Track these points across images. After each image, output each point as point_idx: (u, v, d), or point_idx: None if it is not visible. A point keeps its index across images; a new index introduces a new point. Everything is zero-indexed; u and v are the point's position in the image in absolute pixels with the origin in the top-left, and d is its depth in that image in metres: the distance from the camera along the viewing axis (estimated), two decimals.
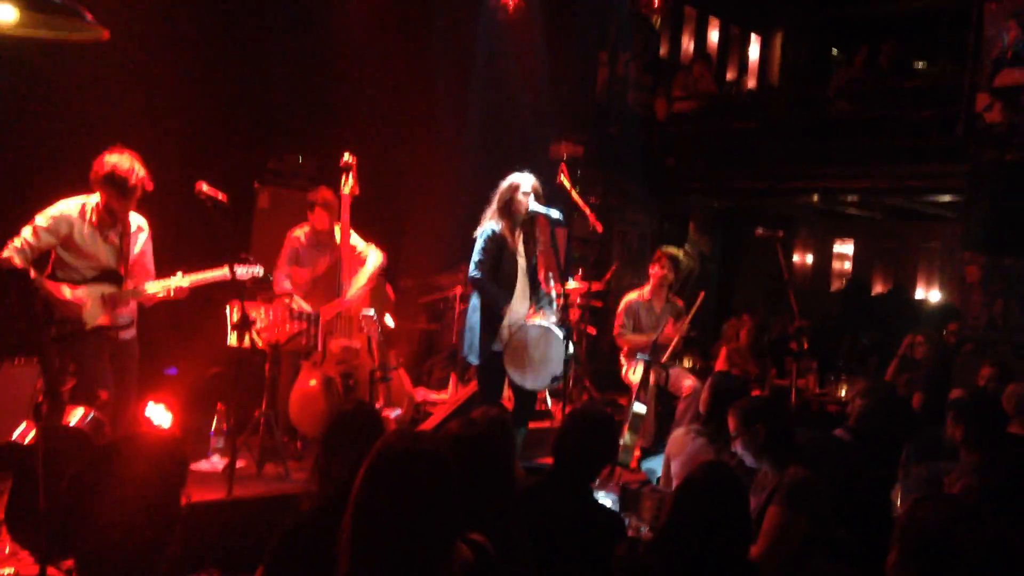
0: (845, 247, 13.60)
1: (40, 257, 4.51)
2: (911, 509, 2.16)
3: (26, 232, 4.43)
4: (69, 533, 1.72)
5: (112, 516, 1.65)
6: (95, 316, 4.55)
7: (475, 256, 5.23)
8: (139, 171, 4.50)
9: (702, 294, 6.83)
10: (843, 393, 7.40)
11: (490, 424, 2.75)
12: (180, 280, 4.70)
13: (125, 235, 4.66)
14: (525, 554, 2.55)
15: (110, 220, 4.60)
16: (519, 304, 5.36)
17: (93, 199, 4.58)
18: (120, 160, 4.46)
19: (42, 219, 4.47)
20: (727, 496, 2.60)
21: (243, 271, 4.80)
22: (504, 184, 5.31)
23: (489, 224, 5.26)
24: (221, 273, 4.71)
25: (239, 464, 4.75)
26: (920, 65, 11.44)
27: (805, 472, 3.32)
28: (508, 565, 2.21)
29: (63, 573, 3.36)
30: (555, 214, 5.31)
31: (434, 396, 7.42)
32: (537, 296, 5.46)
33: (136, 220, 4.75)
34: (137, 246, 4.74)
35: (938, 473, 3.86)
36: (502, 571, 2.08)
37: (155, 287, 4.70)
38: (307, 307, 5.52)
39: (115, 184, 4.45)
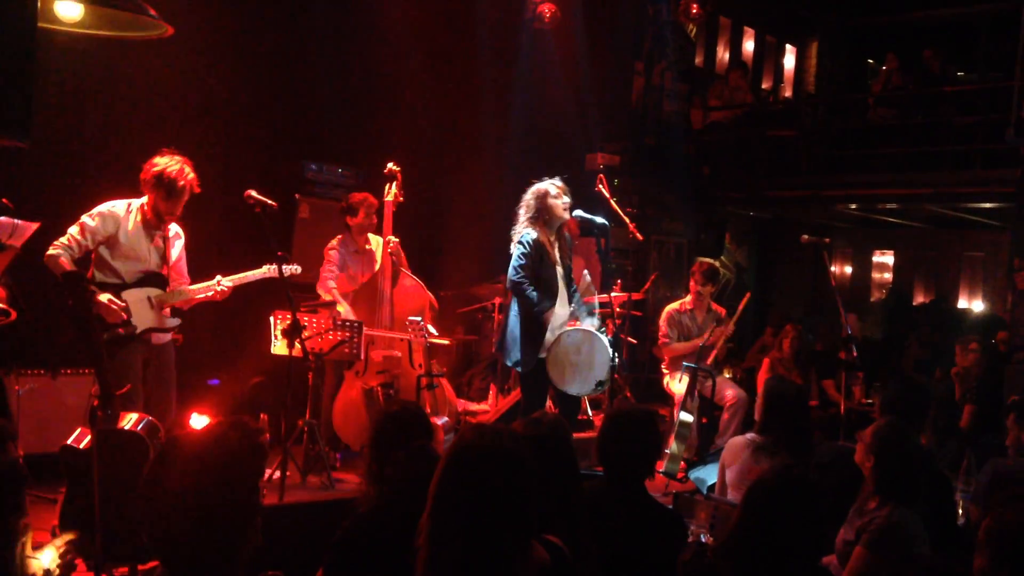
0: (885, 257, 13.42)
1: (80, 262, 4.49)
2: (996, 512, 2.08)
3: (73, 230, 4.45)
4: (149, 530, 1.69)
5: (191, 509, 1.62)
6: (144, 319, 4.56)
7: (515, 261, 5.18)
8: (188, 174, 4.56)
9: (747, 295, 6.72)
10: None
11: (553, 424, 2.71)
12: (224, 281, 4.73)
13: (166, 239, 4.71)
14: (592, 556, 2.50)
15: (156, 222, 4.64)
16: (560, 309, 5.33)
17: (140, 201, 4.63)
18: (169, 163, 4.52)
19: (89, 217, 4.50)
20: (798, 500, 2.51)
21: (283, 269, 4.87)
22: (531, 193, 5.26)
23: (526, 232, 5.21)
24: (261, 272, 4.80)
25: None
26: (959, 74, 11.30)
27: (899, 516, 3.11)
28: (578, 566, 2.15)
29: None
30: (600, 220, 5.27)
31: (474, 407, 7.36)
32: (576, 303, 5.41)
33: (173, 227, 4.79)
34: (175, 250, 4.78)
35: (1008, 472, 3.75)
36: (575, 572, 2.03)
37: (199, 287, 4.73)
38: (351, 315, 5.50)
39: (163, 185, 4.51)
